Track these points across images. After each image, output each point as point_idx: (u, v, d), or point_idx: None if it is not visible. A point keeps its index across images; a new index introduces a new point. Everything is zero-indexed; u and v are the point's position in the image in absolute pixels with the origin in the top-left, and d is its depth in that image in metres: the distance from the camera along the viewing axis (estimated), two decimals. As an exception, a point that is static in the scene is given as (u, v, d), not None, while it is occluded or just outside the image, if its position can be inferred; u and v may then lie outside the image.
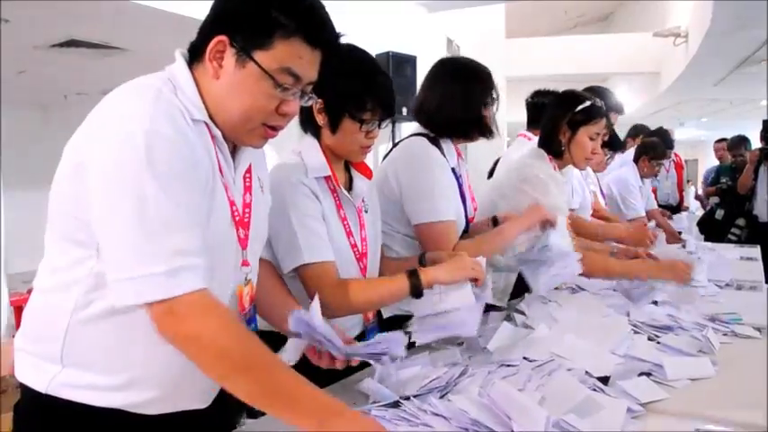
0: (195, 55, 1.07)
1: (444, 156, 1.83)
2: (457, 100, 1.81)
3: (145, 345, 1.02)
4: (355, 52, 1.48)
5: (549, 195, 2.06)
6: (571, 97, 2.20)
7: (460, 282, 1.40)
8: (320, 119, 1.47)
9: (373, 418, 1.07)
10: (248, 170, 1.18)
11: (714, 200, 6.25)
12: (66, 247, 1.02)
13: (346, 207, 1.53)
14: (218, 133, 1.07)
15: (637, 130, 4.99)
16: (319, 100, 1.43)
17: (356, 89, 1.43)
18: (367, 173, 1.59)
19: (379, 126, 1.49)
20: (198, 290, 0.93)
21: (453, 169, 1.88)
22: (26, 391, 1.06)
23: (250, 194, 1.17)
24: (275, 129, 1.11)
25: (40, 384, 1.04)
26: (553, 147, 2.18)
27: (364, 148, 1.50)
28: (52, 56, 5.04)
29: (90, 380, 1.03)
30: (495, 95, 1.86)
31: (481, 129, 1.85)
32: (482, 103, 1.84)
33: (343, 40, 1.14)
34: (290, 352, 1.23)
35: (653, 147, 4.17)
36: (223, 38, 1.02)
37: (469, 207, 1.95)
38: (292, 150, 1.51)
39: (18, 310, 4.05)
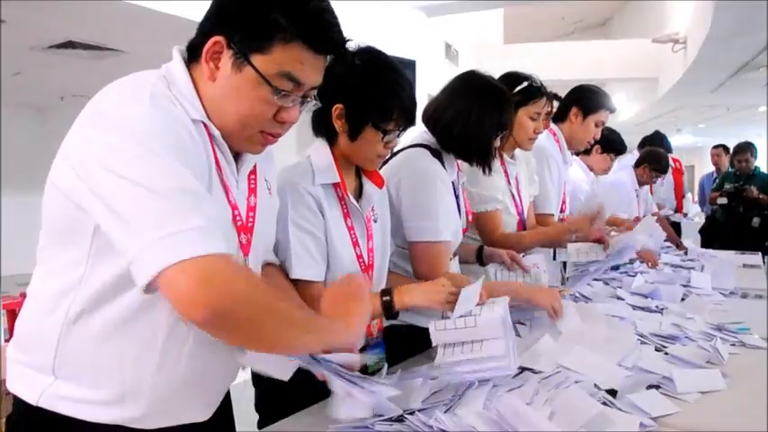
0: (193, 54, 1.02)
1: (445, 169, 1.78)
2: (472, 120, 1.75)
3: (136, 358, 0.99)
4: (381, 57, 1.42)
5: (477, 185, 2.07)
6: (509, 78, 2.17)
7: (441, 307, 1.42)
8: (339, 125, 1.40)
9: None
10: (253, 171, 1.13)
11: (722, 200, 6.19)
12: (58, 251, 0.98)
13: (354, 216, 1.48)
14: (216, 133, 1.01)
15: (645, 142, 4.96)
16: (339, 105, 1.38)
17: (383, 99, 1.37)
18: (378, 181, 1.53)
19: (398, 136, 1.45)
20: (229, 254, 0.86)
21: (453, 183, 1.83)
22: (18, 402, 1.02)
23: (255, 197, 1.11)
24: (274, 136, 1.06)
25: (31, 396, 1.00)
26: None
27: (380, 157, 1.46)
28: (49, 57, 5.00)
29: (83, 393, 0.99)
30: (506, 128, 1.82)
31: (483, 156, 1.80)
32: (494, 132, 1.78)
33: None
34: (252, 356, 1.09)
35: (657, 159, 4.12)
36: (220, 38, 0.97)
37: (464, 219, 1.91)
38: (302, 153, 1.47)
39: (11, 313, 3.99)
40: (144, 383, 1.00)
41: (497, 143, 1.82)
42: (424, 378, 1.33)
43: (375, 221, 1.55)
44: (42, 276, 1.03)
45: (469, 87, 1.82)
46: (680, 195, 5.93)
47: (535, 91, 2.16)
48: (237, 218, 1.06)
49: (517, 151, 2.30)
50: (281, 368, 1.03)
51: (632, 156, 4.44)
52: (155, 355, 0.99)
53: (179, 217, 0.83)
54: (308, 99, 1.05)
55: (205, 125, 1.00)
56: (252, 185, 1.11)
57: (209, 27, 0.99)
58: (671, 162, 5.30)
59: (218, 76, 0.99)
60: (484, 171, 1.83)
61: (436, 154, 1.78)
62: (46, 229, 1.00)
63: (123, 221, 0.84)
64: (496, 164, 2.17)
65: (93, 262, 0.95)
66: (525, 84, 2.15)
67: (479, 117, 1.75)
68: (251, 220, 1.09)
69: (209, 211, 0.87)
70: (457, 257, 1.98)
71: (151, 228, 0.82)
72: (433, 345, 1.37)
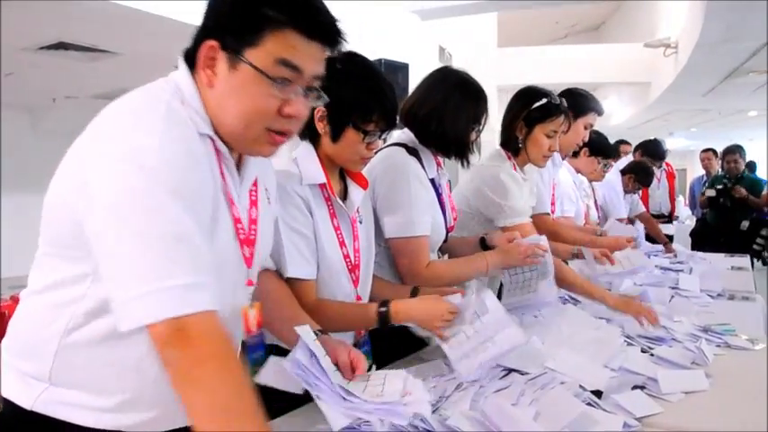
0: (190, 63, 1.01)
1: (423, 166, 1.79)
2: (448, 113, 1.76)
3: (139, 368, 0.98)
4: (358, 59, 1.44)
5: (509, 198, 2.05)
6: (528, 94, 2.16)
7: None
8: (321, 127, 1.43)
9: None
10: (254, 183, 1.13)
11: (710, 192, 6.24)
12: (61, 263, 0.96)
13: (340, 217, 1.50)
14: (223, 148, 1.00)
15: (641, 147, 4.99)
16: (321, 107, 1.39)
17: (363, 99, 1.39)
18: (363, 183, 1.55)
19: (380, 137, 1.46)
20: (211, 310, 0.85)
21: (433, 180, 1.84)
22: (10, 407, 1.01)
23: (256, 209, 1.11)
24: (283, 134, 1.03)
25: (25, 401, 0.99)
26: (510, 144, 2.16)
27: (364, 159, 1.47)
28: (41, 58, 4.99)
29: (82, 399, 0.99)
30: (483, 122, 1.81)
31: (460, 150, 1.80)
32: (470, 125, 1.79)
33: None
34: (267, 374, 1.13)
35: (643, 172, 4.19)
36: (213, 42, 0.96)
37: (449, 217, 1.92)
38: (289, 157, 1.48)
39: (1, 316, 3.97)
40: (147, 392, 1.00)
41: (474, 137, 1.81)
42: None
43: (360, 222, 1.57)
44: (41, 285, 1.01)
45: (444, 82, 1.82)
46: (673, 198, 5.99)
47: (554, 108, 2.12)
48: (240, 231, 1.06)
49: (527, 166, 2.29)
50: (294, 384, 1.08)
51: (626, 159, 4.50)
52: (155, 365, 0.97)
53: (166, 271, 0.83)
54: (314, 90, 1.02)
55: (212, 140, 0.99)
56: (253, 198, 1.11)
57: (201, 34, 0.99)
58: (664, 166, 5.36)
59: (215, 81, 0.98)
60: (462, 165, 1.83)
61: (413, 152, 1.79)
62: (48, 238, 0.99)
63: (113, 263, 0.85)
64: (518, 176, 2.16)
65: (98, 277, 0.93)
66: (544, 100, 2.11)
67: (455, 111, 1.76)
68: (253, 232, 1.09)
69: (200, 262, 0.87)
70: (446, 256, 1.99)
71: (138, 279, 0.83)
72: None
